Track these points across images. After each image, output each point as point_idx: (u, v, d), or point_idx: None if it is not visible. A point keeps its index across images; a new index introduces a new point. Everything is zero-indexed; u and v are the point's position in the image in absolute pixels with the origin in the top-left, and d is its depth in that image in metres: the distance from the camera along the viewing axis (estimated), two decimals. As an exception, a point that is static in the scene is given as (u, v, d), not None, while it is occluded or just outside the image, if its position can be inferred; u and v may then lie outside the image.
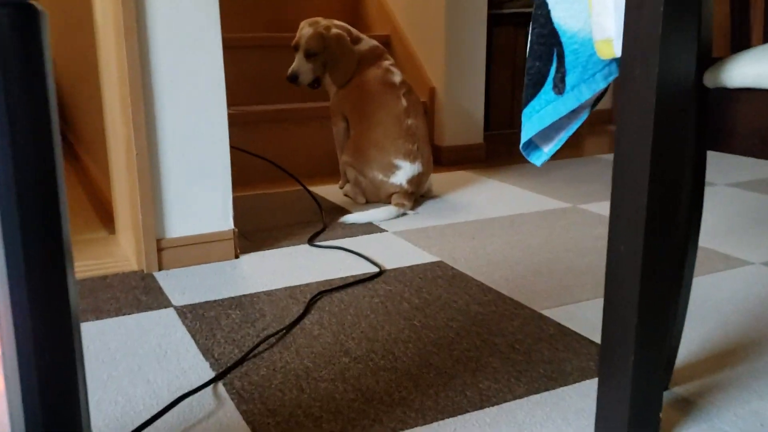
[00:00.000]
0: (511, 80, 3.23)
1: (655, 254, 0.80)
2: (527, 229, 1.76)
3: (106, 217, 1.89)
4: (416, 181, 1.95)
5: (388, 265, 1.51)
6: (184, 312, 1.27)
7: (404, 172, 1.93)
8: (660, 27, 0.75)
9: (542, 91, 0.94)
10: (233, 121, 2.28)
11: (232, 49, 2.50)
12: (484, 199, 2.05)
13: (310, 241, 1.66)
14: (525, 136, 0.96)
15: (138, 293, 1.36)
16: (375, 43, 2.08)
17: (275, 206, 1.99)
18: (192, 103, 1.46)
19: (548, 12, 0.92)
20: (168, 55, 1.41)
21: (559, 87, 0.93)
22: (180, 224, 1.49)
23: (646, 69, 0.76)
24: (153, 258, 1.47)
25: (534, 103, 0.95)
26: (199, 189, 1.50)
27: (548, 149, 0.98)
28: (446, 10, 2.45)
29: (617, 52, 0.84)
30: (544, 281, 1.42)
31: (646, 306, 0.81)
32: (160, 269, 1.48)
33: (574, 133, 3.22)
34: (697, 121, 0.89)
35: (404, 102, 1.96)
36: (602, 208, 1.95)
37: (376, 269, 1.48)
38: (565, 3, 0.90)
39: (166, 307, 1.30)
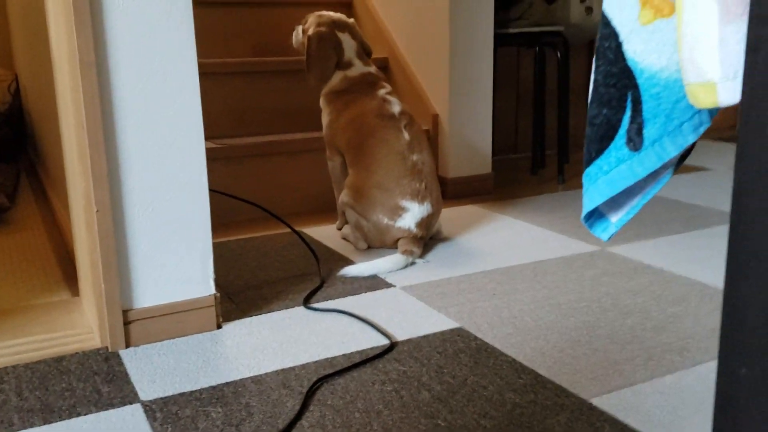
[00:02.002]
0: (515, 103, 3.03)
1: (789, 378, 0.58)
2: (553, 282, 1.54)
3: (71, 273, 1.66)
4: (426, 223, 1.73)
5: (400, 335, 1.27)
6: (153, 410, 1.04)
7: (412, 214, 1.70)
8: (807, 69, 0.53)
9: (612, 146, 0.72)
10: (216, 156, 2.05)
11: (215, 75, 2.28)
12: (499, 242, 1.83)
13: (306, 303, 1.43)
14: (590, 203, 0.73)
15: (99, 382, 1.12)
16: (369, 69, 1.86)
17: (265, 254, 1.76)
18: (164, 147, 1.23)
19: (620, 44, 0.70)
20: (134, 94, 1.19)
21: (636, 142, 0.70)
22: (150, 291, 1.26)
23: (785, 128, 0.54)
24: (118, 333, 1.23)
25: (600, 162, 0.73)
26: (173, 249, 1.26)
27: (617, 219, 0.76)
28: (450, 31, 2.24)
29: (724, 99, 0.62)
30: (586, 355, 1.19)
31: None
32: (127, 346, 1.25)
33: (578, 158, 3.01)
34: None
35: (406, 135, 1.74)
36: (634, 251, 1.73)
37: (386, 341, 1.25)
38: (644, 33, 0.68)
39: (131, 403, 1.06)
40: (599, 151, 0.72)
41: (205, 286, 1.30)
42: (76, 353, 1.22)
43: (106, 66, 1.16)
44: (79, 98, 1.14)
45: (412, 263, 1.67)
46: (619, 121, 0.71)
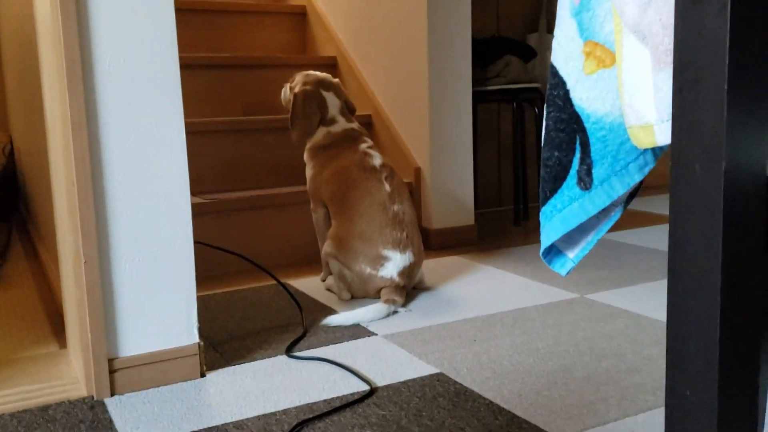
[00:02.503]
0: (497, 157, 3.11)
1: (732, 405, 0.61)
2: (532, 328, 1.57)
3: (60, 327, 1.68)
4: (408, 272, 1.77)
5: (380, 381, 1.30)
6: (135, 456, 1.05)
7: (394, 263, 1.74)
8: (725, 108, 0.58)
9: (564, 186, 0.77)
10: (204, 211, 2.10)
11: (205, 134, 2.35)
12: (481, 291, 1.87)
13: (289, 351, 1.46)
14: (546, 240, 0.78)
15: (84, 429, 1.14)
16: (351, 126, 1.93)
17: (250, 305, 1.79)
18: (150, 203, 1.27)
19: (567, 92, 0.76)
20: (122, 153, 1.24)
21: (586, 181, 0.76)
22: (136, 340, 1.29)
23: (710, 164, 0.60)
24: (104, 382, 1.25)
25: (554, 201, 0.78)
26: (158, 299, 1.30)
27: (574, 255, 0.81)
28: (429, 89, 2.33)
29: (661, 140, 0.67)
30: (562, 396, 1.22)
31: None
32: (112, 394, 1.27)
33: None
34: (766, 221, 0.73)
35: (387, 186, 1.80)
36: (612, 298, 1.77)
37: (366, 387, 1.27)
38: (588, 82, 0.75)
39: (114, 449, 1.07)
40: (553, 191, 0.78)
41: (189, 335, 1.33)
42: (62, 402, 1.24)
43: (95, 126, 1.22)
44: (70, 157, 1.20)
45: (395, 312, 1.70)
46: (570, 162, 0.76)
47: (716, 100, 0.59)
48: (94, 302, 1.23)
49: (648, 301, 1.73)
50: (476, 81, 2.55)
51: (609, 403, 1.19)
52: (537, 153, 2.73)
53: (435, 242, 2.39)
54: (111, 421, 1.17)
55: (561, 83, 0.77)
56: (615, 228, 2.63)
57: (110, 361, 1.26)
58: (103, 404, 1.23)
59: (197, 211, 2.08)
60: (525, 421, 1.12)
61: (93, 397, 1.26)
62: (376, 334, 1.55)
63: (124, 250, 1.26)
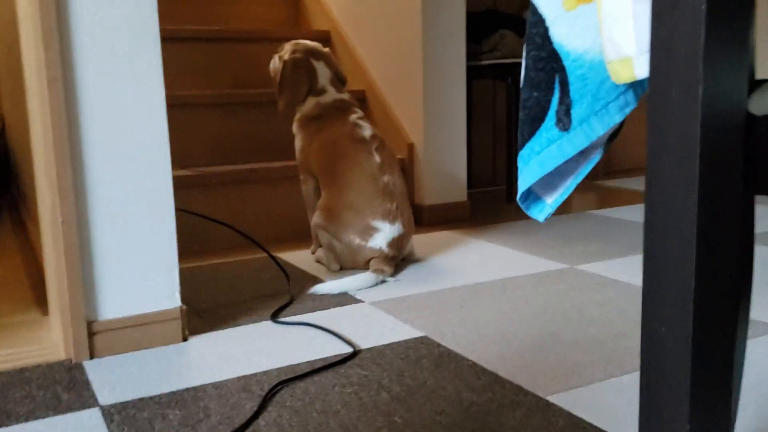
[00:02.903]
0: (492, 135, 3.09)
1: (706, 335, 0.60)
2: (521, 296, 1.55)
3: (43, 296, 1.66)
4: (397, 243, 1.75)
5: (364, 344, 1.28)
6: (111, 413, 1.04)
7: (383, 234, 1.72)
8: (703, 32, 0.56)
9: (542, 127, 0.75)
10: (193, 183, 2.08)
11: (195, 107, 2.32)
12: (471, 262, 1.85)
13: (274, 317, 1.44)
14: (523, 184, 0.76)
15: (59, 390, 1.12)
16: (341, 96, 1.91)
17: (237, 277, 1.77)
18: (130, 164, 1.25)
19: (546, 29, 0.74)
20: (102, 113, 1.22)
21: (564, 122, 0.74)
22: (116, 304, 1.27)
23: (686, 91, 0.58)
24: (83, 345, 1.24)
25: (532, 144, 0.76)
26: (139, 261, 1.28)
27: (552, 200, 0.78)
28: (424, 64, 2.31)
29: (639, 73, 0.65)
30: (547, 359, 1.20)
31: (699, 400, 0.60)
32: (91, 357, 1.25)
33: (562, 189, 3.05)
34: (744, 159, 0.70)
35: (377, 157, 1.78)
36: (602, 268, 1.75)
37: (349, 349, 1.25)
38: (567, 18, 0.72)
39: (90, 407, 1.06)
40: (531, 133, 0.76)
41: (171, 299, 1.31)
42: (40, 365, 1.22)
43: (72, 82, 1.19)
44: (46, 112, 1.17)
45: (383, 282, 1.68)
46: (549, 102, 0.74)
47: (694, 24, 0.57)
48: (72, 264, 1.21)
49: (639, 272, 1.71)
50: (470, 55, 2.53)
51: (595, 366, 1.17)
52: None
53: (427, 218, 2.36)
54: (88, 382, 1.15)
55: (540, 21, 0.74)
56: (605, 204, 2.61)
57: (89, 323, 1.24)
58: (81, 367, 1.22)
59: (185, 184, 2.06)
60: (508, 381, 1.11)
61: (71, 360, 1.24)
62: (363, 302, 1.53)
63: (104, 211, 1.24)
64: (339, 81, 1.96)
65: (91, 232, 1.23)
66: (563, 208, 2.60)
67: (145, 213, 1.27)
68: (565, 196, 0.78)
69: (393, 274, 1.74)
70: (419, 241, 2.11)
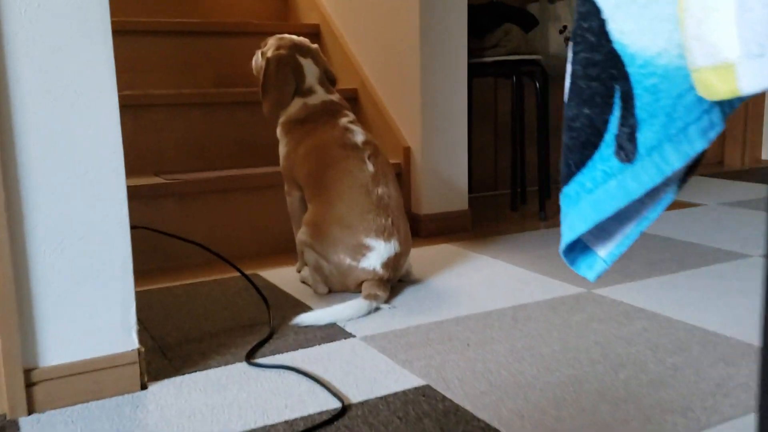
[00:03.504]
0: (493, 136, 2.89)
1: None
2: (535, 329, 1.36)
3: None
4: (393, 263, 1.55)
5: (355, 396, 1.08)
6: (39, 498, 0.84)
7: (377, 253, 1.52)
8: None
9: (596, 156, 0.55)
10: (166, 193, 1.87)
11: (171, 107, 2.12)
12: (475, 284, 1.65)
13: (249, 358, 1.24)
14: (570, 232, 0.56)
15: (-17, 460, 0.92)
16: (331, 97, 1.70)
17: (213, 301, 1.57)
18: (76, 177, 1.05)
19: (603, 23, 0.54)
20: (40, 114, 1.02)
21: (627, 150, 0.54)
22: (60, 347, 1.06)
23: None
24: (18, 397, 1.03)
25: (582, 178, 0.56)
26: (87, 296, 1.07)
27: (607, 253, 0.59)
28: (422, 60, 2.10)
29: (748, 85, 0.45)
30: (572, 416, 1.00)
31: None
32: (30, 412, 1.05)
33: (557, 197, 2.86)
34: None
35: (370, 166, 1.58)
36: (623, 293, 1.56)
37: (337, 405, 1.06)
38: (634, 8, 0.52)
39: (15, 489, 0.86)
40: (580, 164, 0.56)
41: (127, 340, 1.11)
42: (-35, 423, 1.02)
43: (4, 78, 0.99)
44: (-29, 119, 0.97)
45: (377, 309, 1.48)
46: (606, 123, 0.54)
47: None
48: (5, 300, 1.01)
49: (665, 298, 1.52)
50: (472, 52, 2.33)
51: (630, 427, 0.97)
52: (537, 133, 2.51)
53: (425, 229, 2.17)
54: (20, 449, 0.95)
55: (594, 11, 0.54)
56: (621, 214, 2.42)
57: (27, 372, 1.04)
58: (16, 425, 1.02)
59: (157, 193, 1.86)
60: (530, 452, 0.91)
61: (5, 416, 1.04)
62: (354, 336, 1.34)
63: (44, 236, 1.04)
64: (328, 80, 1.75)
65: (29, 261, 1.03)
66: (571, 217, 2.40)
67: (94, 236, 1.07)
68: (624, 248, 0.58)
69: (388, 300, 1.54)
70: (416, 257, 1.91)
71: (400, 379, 1.14)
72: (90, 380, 1.08)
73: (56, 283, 1.05)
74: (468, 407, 1.04)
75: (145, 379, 1.14)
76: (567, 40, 2.61)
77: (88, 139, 1.05)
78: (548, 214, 2.45)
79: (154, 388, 1.13)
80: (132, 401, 1.08)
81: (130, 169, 2.07)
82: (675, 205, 2.55)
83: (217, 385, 1.14)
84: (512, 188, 2.49)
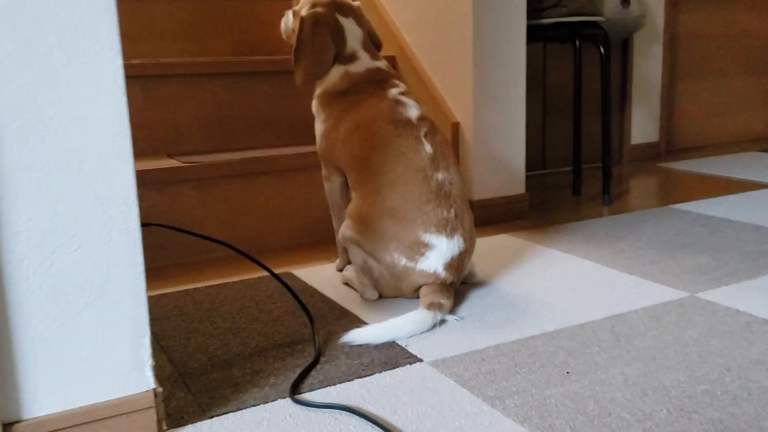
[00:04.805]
0: (542, 109, 2.60)
1: None
2: (645, 349, 1.09)
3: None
4: (457, 264, 1.28)
5: (438, 452, 0.83)
6: None
7: (439, 252, 1.26)
8: None
9: None
10: (183, 177, 1.61)
11: (186, 78, 1.85)
12: (552, 287, 1.38)
13: (294, 391, 0.98)
14: None
15: None
16: (377, 64, 1.43)
17: (242, 309, 1.31)
18: (68, 170, 0.79)
19: None
20: (15, 85, 0.75)
21: None
22: (50, 393, 0.81)
23: None
24: (-2, 460, 0.78)
25: None
26: (85, 325, 0.82)
27: None
28: (474, 23, 1.81)
29: None
30: (743, 489, 0.74)
31: None
32: (14, 478, 0.80)
33: (616, 174, 2.58)
34: None
35: (428, 147, 1.31)
36: (733, 297, 1.29)
37: (417, 467, 0.80)
38: None
39: None
40: None
41: (139, 379, 0.85)
42: (-71, 495, 0.77)
43: (-34, 38, 0.72)
44: None
45: (442, 321, 1.22)
46: None
47: None
48: (-24, 335, 0.75)
49: (791, 305, 1.25)
50: (527, 12, 2.03)
51: (828, 508, 0.71)
52: (602, 105, 2.22)
53: (477, 216, 1.90)
54: None
55: None
56: (685, 196, 2.14)
57: (6, 426, 0.79)
58: (-5, 498, 0.77)
59: (172, 179, 1.60)
60: None
61: (-18, 483, 0.79)
62: (422, 360, 1.08)
63: (27, 246, 0.78)
64: (373, 44, 1.48)
65: (7, 281, 0.77)
66: (636, 200, 2.12)
67: (92, 247, 0.81)
68: None
69: (452, 309, 1.28)
70: (475, 252, 1.64)
71: (494, 427, 0.88)
72: (92, 432, 0.83)
73: (43, 308, 0.79)
74: (595, 473, 0.78)
75: (164, 426, 0.88)
76: (624, 2, 2.31)
77: (84, 116, 0.79)
78: (612, 198, 2.17)
79: (176, 437, 0.88)
80: (148, 459, 0.83)
81: (139, 151, 1.81)
82: (745, 186, 2.26)
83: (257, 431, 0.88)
84: (575, 168, 2.21)
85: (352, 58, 1.42)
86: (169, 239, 1.60)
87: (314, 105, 1.47)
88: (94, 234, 0.81)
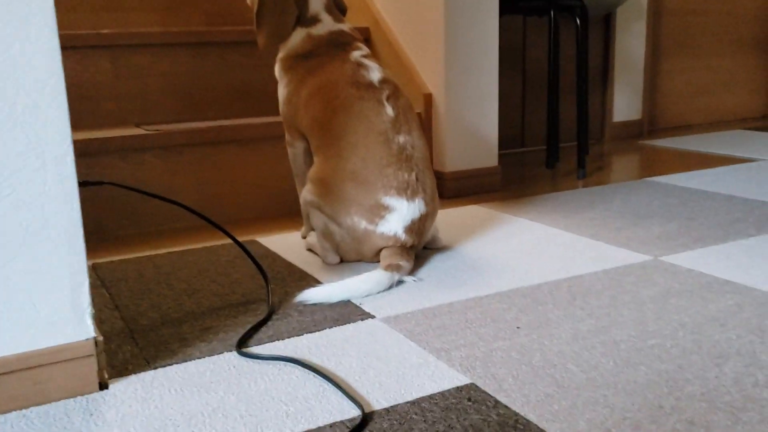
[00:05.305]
0: (521, 85, 2.58)
1: None
2: (600, 307, 1.08)
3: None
4: (418, 227, 1.27)
5: (379, 400, 0.82)
6: None
7: (399, 215, 1.25)
8: None
9: None
10: (148, 145, 1.60)
11: (155, 48, 1.83)
12: (515, 251, 1.38)
13: (242, 345, 0.97)
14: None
15: None
16: (340, 27, 1.41)
17: (201, 272, 1.30)
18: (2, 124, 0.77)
19: None
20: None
21: None
22: (-16, 338, 0.80)
23: None
24: (-71, 406, 0.77)
25: None
26: (20, 272, 0.81)
27: None
28: (445, -11, 1.80)
29: None
30: (676, 429, 0.74)
31: None
32: (-53, 424, 0.79)
33: (596, 151, 2.57)
34: None
35: (390, 110, 1.30)
36: (698, 261, 1.28)
37: (356, 412, 0.79)
38: None
39: None
40: None
41: (78, 327, 0.84)
42: None
43: None
44: None
45: (400, 282, 1.21)
46: None
47: None
48: None
49: (753, 267, 1.24)
50: (502, -16, 2.02)
51: (762, 448, 0.71)
52: (577, 81, 2.21)
53: (449, 188, 1.89)
54: None
55: None
56: (663, 170, 2.13)
57: (-62, 372, 0.78)
58: (-75, 443, 0.76)
59: (138, 146, 1.58)
60: (631, 489, 0.65)
61: None
62: (374, 317, 1.07)
63: (-42, 192, 0.77)
64: (337, 8, 1.46)
65: (-60, 225, 0.76)
66: (613, 174, 2.12)
67: (25, 192, 0.80)
68: None
69: (412, 271, 1.27)
70: (441, 220, 1.63)
71: (437, 376, 0.87)
72: (29, 380, 0.82)
73: (-23, 252, 0.78)
74: (532, 418, 0.77)
75: (105, 375, 0.87)
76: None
77: (15, 57, 0.77)
78: (587, 172, 2.16)
79: (118, 386, 0.87)
80: (86, 407, 0.82)
81: (109, 120, 1.79)
82: (724, 161, 2.25)
83: (199, 383, 0.87)
84: (548, 143, 2.20)
85: (314, 20, 1.40)
86: (132, 207, 1.59)
87: (277, 69, 1.45)
88: (27, 180, 0.79)
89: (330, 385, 0.85)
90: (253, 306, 1.13)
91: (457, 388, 0.84)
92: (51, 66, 0.79)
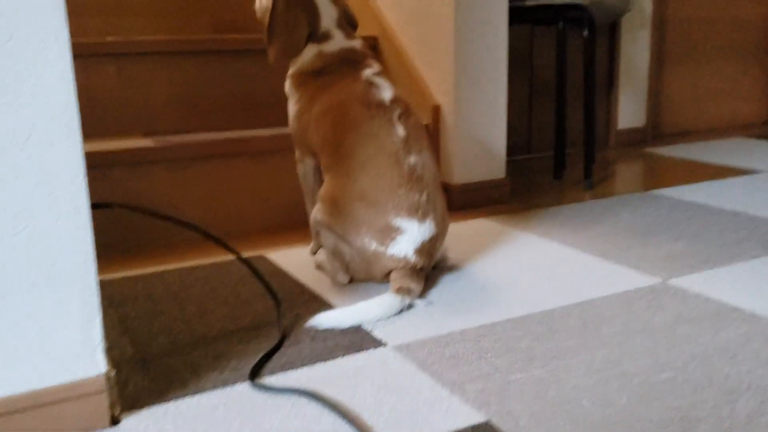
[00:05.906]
0: (528, 92, 2.58)
1: None
2: (612, 336, 1.08)
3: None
4: (428, 249, 1.27)
5: (393, 438, 0.82)
6: None
7: (410, 236, 1.24)
8: None
9: None
10: (156, 158, 1.59)
11: (161, 56, 1.82)
12: (526, 271, 1.37)
13: (254, 376, 0.97)
14: None
15: None
16: (352, 44, 1.40)
17: (210, 292, 1.30)
18: (11, 146, 0.77)
19: None
20: (-43, 57, 0.73)
21: None
22: (-2, 375, 0.80)
23: None
24: (-57, 444, 0.77)
25: None
26: (31, 307, 0.80)
27: None
28: (455, 3, 1.79)
29: None
30: (696, 478, 0.74)
31: None
32: (-39, 461, 0.78)
33: (602, 159, 2.57)
34: None
35: (401, 130, 1.29)
36: (705, 284, 1.28)
37: (370, 453, 0.79)
38: None
39: None
40: None
41: (90, 362, 0.84)
42: None
43: None
44: None
45: (410, 306, 1.21)
46: None
47: None
48: None
49: (759, 292, 1.24)
50: (511, -6, 2.01)
51: (780, 497, 0.70)
52: (585, 88, 2.20)
53: (456, 201, 1.88)
54: None
55: None
56: (668, 181, 2.13)
57: (-48, 410, 0.78)
58: (-61, 482, 0.75)
59: (145, 159, 1.57)
60: None
61: (-74, 466, 0.78)
62: (385, 345, 1.06)
63: (-27, 229, 0.76)
64: (348, 23, 1.45)
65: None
66: (619, 185, 2.11)
67: (38, 226, 0.79)
68: None
69: (422, 293, 1.27)
70: (451, 235, 1.63)
71: (451, 412, 0.87)
72: (40, 418, 0.81)
73: (-9, 289, 0.78)
74: (549, 460, 0.77)
75: (117, 411, 0.87)
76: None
77: (29, 93, 0.76)
78: (594, 182, 2.16)
79: (129, 422, 0.86)
80: (99, 443, 0.82)
81: (114, 130, 1.78)
82: (728, 172, 2.25)
83: (212, 418, 0.87)
84: (556, 152, 2.20)
85: (325, 37, 1.39)
86: (141, 221, 1.58)
87: (287, 85, 1.44)
88: (39, 213, 0.79)
89: (345, 423, 0.85)
90: (264, 330, 1.12)
91: (472, 427, 0.84)
92: (66, 101, 0.78)
